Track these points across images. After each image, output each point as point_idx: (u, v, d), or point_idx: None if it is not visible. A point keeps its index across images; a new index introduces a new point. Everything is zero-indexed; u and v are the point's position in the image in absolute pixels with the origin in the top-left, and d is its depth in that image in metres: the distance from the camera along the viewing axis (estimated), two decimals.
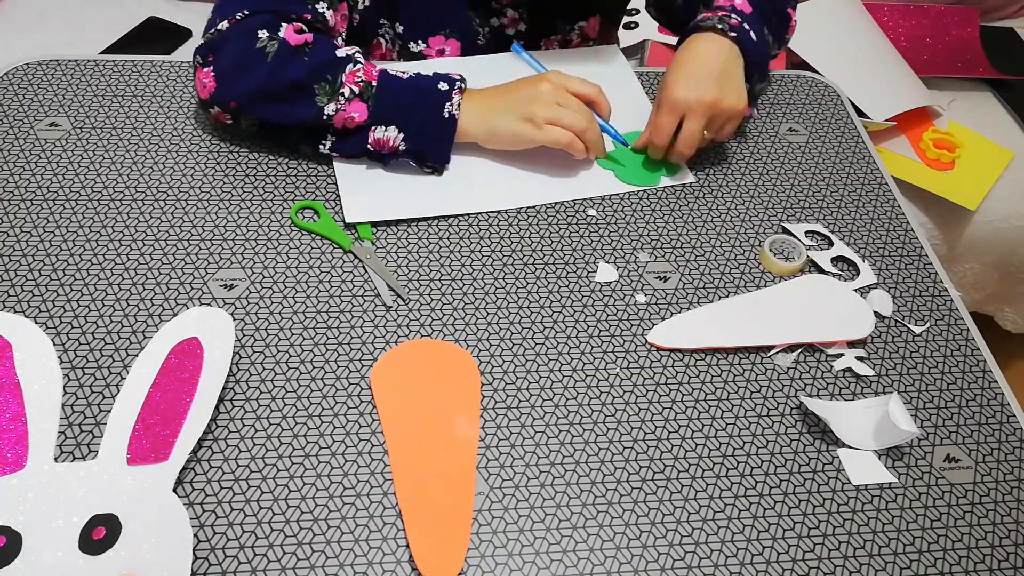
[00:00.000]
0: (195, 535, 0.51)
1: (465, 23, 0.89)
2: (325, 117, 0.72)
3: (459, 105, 0.74)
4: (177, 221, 0.71)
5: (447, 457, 0.56)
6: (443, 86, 0.74)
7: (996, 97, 1.42)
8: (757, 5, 0.80)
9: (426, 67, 0.82)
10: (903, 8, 1.51)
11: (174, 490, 0.52)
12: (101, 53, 1.27)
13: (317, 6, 0.76)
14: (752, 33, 0.77)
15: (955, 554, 0.55)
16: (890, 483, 0.58)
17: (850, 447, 0.60)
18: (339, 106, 0.71)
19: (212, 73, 0.72)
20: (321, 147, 0.75)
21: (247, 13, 0.72)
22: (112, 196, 0.72)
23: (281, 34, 0.72)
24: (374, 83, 0.72)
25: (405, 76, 0.74)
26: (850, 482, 0.58)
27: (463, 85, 0.75)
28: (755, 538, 0.54)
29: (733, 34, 0.76)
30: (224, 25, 0.72)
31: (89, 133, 0.77)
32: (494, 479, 0.56)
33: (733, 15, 0.77)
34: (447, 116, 0.73)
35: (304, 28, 0.74)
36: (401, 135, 0.73)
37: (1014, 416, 0.63)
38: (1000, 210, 1.27)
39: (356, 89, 0.71)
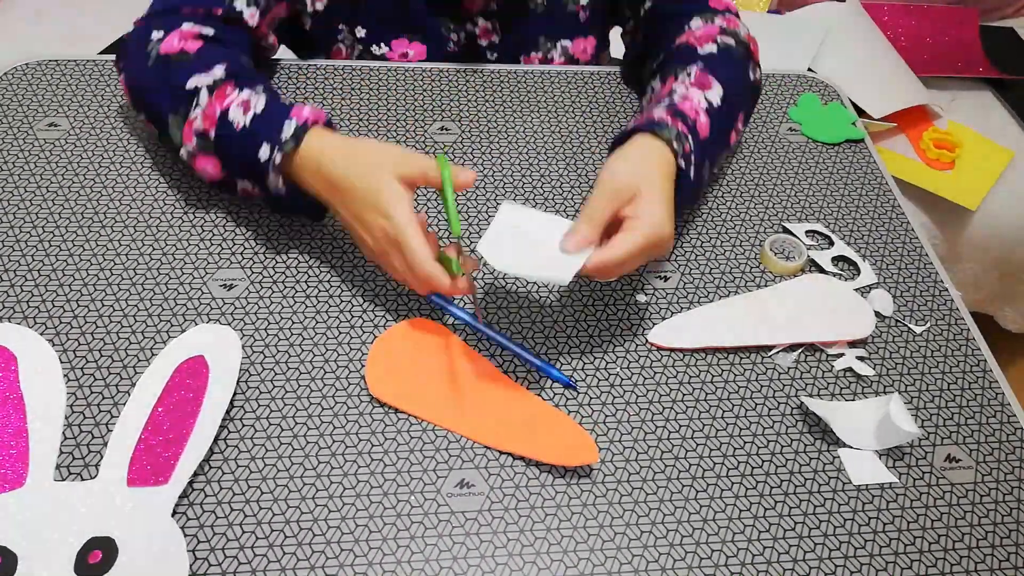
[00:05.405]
0: (195, 535, 0.51)
1: (433, 28, 0.87)
2: (186, 156, 0.67)
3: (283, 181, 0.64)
4: (177, 221, 0.70)
5: (489, 392, 0.60)
6: (264, 153, 0.62)
7: (996, 97, 1.42)
8: (716, 128, 0.69)
9: None
10: (903, 8, 1.51)
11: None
12: (101, 53, 1.27)
13: (235, 3, 0.73)
14: (692, 171, 0.65)
15: (956, 554, 0.55)
16: (891, 483, 0.58)
17: (851, 447, 0.60)
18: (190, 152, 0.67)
19: (123, 79, 0.72)
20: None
21: (153, 13, 0.73)
22: (111, 196, 0.72)
23: (163, 36, 0.69)
24: (211, 133, 0.64)
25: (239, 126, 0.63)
26: (851, 482, 0.58)
27: (288, 148, 0.62)
28: (756, 538, 0.54)
29: (681, 163, 0.64)
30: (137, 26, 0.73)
31: (88, 133, 0.77)
32: (494, 479, 0.56)
33: (690, 138, 0.65)
34: (275, 193, 0.65)
35: (200, 34, 0.70)
36: (258, 188, 0.66)
37: (1014, 416, 0.63)
38: (1000, 210, 1.27)
39: (193, 147, 0.66)
